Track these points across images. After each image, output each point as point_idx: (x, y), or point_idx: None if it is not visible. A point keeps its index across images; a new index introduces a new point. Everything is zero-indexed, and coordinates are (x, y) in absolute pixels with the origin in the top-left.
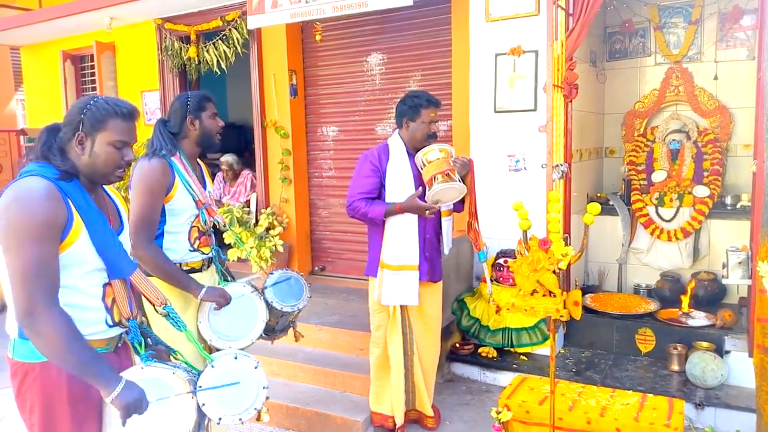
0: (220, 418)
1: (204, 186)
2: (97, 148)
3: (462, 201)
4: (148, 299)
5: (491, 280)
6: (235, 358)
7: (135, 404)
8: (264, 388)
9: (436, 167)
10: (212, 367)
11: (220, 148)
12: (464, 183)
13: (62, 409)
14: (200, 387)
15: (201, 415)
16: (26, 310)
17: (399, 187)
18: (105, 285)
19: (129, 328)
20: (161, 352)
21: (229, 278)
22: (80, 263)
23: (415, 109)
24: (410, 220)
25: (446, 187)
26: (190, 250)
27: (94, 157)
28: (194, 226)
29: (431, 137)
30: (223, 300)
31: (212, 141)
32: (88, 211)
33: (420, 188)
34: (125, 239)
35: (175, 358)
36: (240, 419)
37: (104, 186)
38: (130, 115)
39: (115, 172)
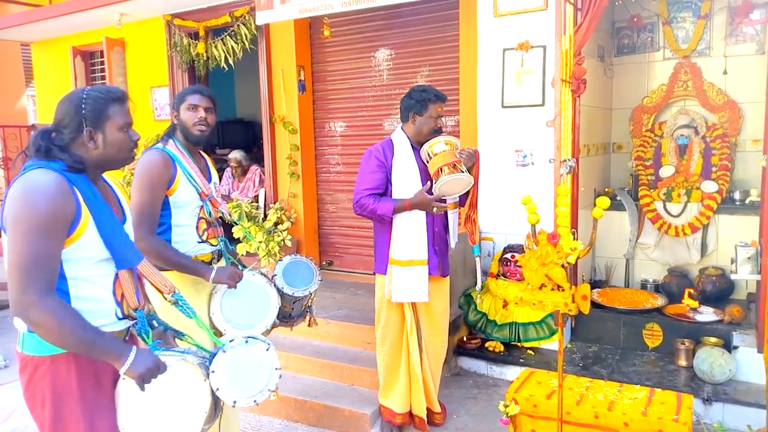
0: (234, 401)
1: (209, 179)
2: (110, 138)
3: (467, 194)
4: (156, 287)
5: (496, 276)
6: (246, 341)
7: (151, 370)
8: (276, 369)
9: (443, 159)
10: (224, 351)
11: (228, 143)
12: (470, 174)
13: (73, 402)
14: (213, 371)
15: (216, 398)
16: (20, 302)
17: (405, 182)
18: (115, 277)
19: (137, 319)
20: (169, 339)
21: (240, 267)
22: (89, 254)
23: (423, 103)
24: (418, 215)
25: (453, 178)
26: (199, 242)
27: (109, 147)
28: (201, 218)
29: (437, 132)
30: (234, 279)
31: (189, 133)
32: (95, 202)
33: (428, 183)
34: (129, 229)
35: (185, 341)
36: (255, 401)
37: (104, 178)
38: (124, 97)
39: (129, 155)
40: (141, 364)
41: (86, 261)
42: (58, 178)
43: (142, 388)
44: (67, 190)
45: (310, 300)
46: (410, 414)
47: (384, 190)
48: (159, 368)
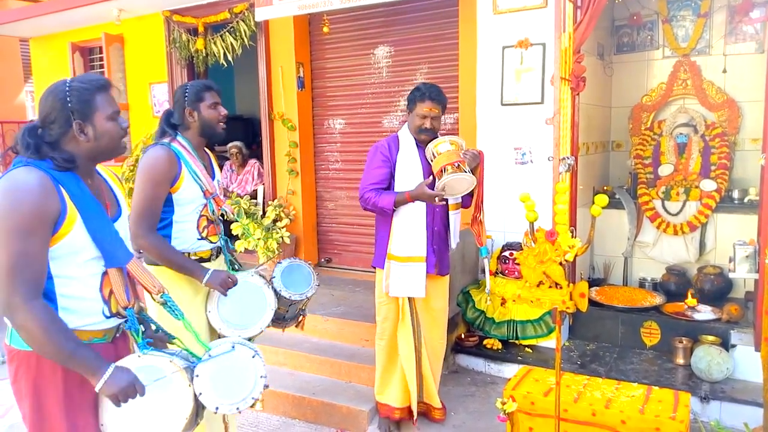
0: (217, 408)
1: (212, 176)
2: (100, 129)
3: (470, 195)
4: (144, 287)
5: (495, 273)
6: (233, 347)
7: (124, 390)
8: (261, 377)
9: (446, 158)
10: (209, 356)
11: (226, 139)
12: (474, 175)
13: (55, 398)
14: (197, 375)
15: (199, 403)
16: (6, 303)
17: (408, 178)
18: (103, 275)
19: (126, 317)
20: (160, 340)
21: (237, 266)
22: (76, 252)
23: (412, 101)
24: (418, 211)
25: (456, 177)
26: (198, 239)
27: (100, 138)
28: (202, 215)
29: (423, 132)
30: (228, 284)
31: (214, 131)
32: (82, 199)
33: (430, 177)
34: (123, 225)
35: (174, 344)
36: (237, 408)
37: (100, 172)
38: (108, 84)
39: (120, 144)
40: (115, 384)
41: (74, 259)
42: (41, 176)
43: (117, 405)
44: (50, 188)
45: (304, 304)
46: (409, 409)
47: (387, 185)
48: (135, 389)
